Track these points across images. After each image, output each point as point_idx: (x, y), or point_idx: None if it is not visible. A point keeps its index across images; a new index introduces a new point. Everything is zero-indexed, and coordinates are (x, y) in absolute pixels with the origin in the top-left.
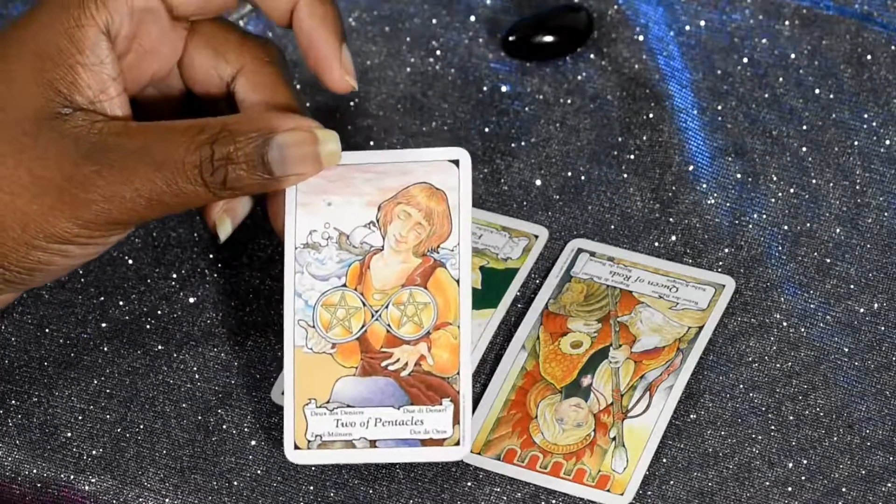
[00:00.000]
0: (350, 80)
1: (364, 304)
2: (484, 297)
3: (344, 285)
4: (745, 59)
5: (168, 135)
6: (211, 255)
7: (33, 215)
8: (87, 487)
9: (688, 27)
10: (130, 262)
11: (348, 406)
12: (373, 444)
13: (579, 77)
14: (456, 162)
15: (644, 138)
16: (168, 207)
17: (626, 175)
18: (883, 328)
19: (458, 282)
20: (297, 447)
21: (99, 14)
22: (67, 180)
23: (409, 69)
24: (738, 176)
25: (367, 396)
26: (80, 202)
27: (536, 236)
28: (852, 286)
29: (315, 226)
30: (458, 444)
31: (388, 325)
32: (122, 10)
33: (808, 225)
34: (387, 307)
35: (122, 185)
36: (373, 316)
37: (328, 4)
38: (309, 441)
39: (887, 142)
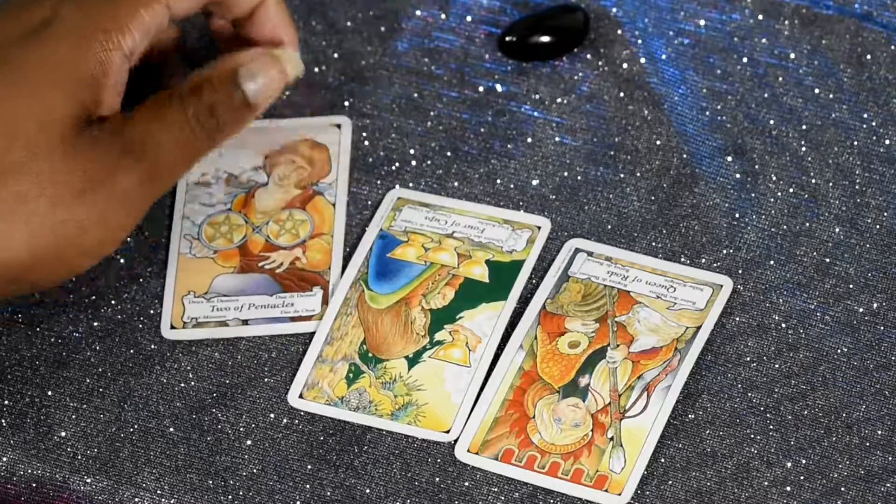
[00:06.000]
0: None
1: (247, 222)
2: (493, 290)
3: (230, 209)
4: (745, 59)
5: (161, 100)
6: None
7: (91, 226)
8: (82, 487)
9: (687, 27)
10: (122, 261)
11: (224, 296)
12: (244, 322)
13: (576, 77)
14: (338, 126)
15: (642, 138)
16: (184, 168)
17: (623, 175)
18: (882, 328)
19: (333, 205)
20: (173, 327)
21: (125, 39)
22: (117, 174)
23: (404, 69)
24: (738, 176)
25: (243, 288)
26: (130, 195)
27: (539, 227)
28: (851, 286)
29: (206, 170)
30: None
31: (268, 237)
32: (142, 30)
33: (808, 225)
34: (267, 223)
35: (154, 162)
36: (254, 230)
37: (285, 4)
38: (185, 322)
39: (887, 141)
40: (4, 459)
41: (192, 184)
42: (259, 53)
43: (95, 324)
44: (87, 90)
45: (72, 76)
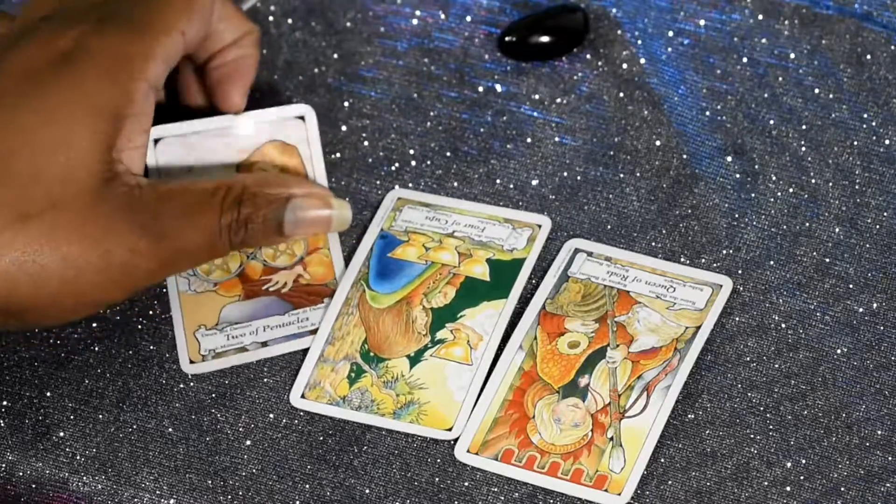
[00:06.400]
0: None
1: (240, 250)
2: (494, 289)
3: None
4: (745, 59)
5: (202, 196)
6: None
7: (93, 289)
8: (81, 487)
9: (687, 27)
10: None
11: (236, 323)
12: (264, 344)
13: (575, 77)
14: (302, 118)
15: (642, 138)
16: (194, 264)
17: (622, 175)
18: (882, 328)
19: None
20: (192, 361)
21: (149, 68)
22: (131, 252)
23: (404, 69)
24: (738, 176)
25: (253, 313)
26: (138, 273)
27: (539, 226)
28: (851, 286)
29: None
30: None
31: (264, 261)
32: (165, 59)
33: (807, 225)
34: (260, 249)
35: (173, 251)
36: (248, 257)
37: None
38: (203, 356)
39: (887, 141)
40: (3, 460)
41: None
42: (315, 192)
43: (94, 325)
44: (111, 123)
45: (96, 109)
